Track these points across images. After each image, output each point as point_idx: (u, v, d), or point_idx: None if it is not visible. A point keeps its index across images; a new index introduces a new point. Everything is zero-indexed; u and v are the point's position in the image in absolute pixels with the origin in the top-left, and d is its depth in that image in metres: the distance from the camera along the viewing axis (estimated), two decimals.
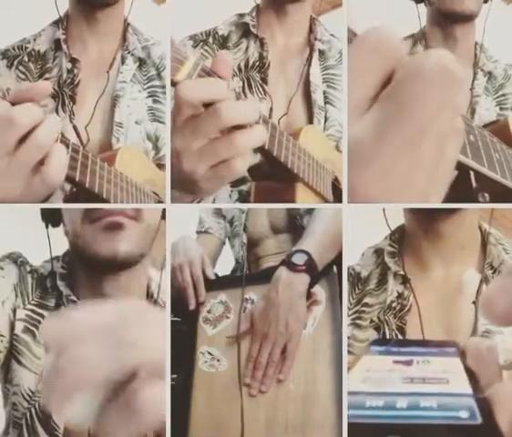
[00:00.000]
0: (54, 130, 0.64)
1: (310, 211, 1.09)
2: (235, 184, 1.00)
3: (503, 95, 1.16)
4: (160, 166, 0.99)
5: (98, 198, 0.78)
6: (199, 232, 1.29)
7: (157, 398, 0.31)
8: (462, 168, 0.64)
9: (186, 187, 0.72)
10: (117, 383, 0.31)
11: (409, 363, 0.38)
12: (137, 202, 0.88)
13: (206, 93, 0.66)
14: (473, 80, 1.15)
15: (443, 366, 0.37)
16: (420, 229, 0.95)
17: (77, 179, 0.73)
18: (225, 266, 1.27)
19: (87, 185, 0.75)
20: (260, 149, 0.80)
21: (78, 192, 0.79)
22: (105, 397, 0.32)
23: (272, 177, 0.91)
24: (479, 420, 0.27)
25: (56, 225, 0.92)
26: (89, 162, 0.75)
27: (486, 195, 0.73)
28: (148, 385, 0.31)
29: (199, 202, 0.82)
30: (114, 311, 0.33)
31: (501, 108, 1.15)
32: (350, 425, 0.28)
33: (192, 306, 1.03)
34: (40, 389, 0.84)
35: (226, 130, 0.67)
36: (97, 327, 0.32)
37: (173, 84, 0.68)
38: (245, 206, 1.14)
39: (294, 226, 1.15)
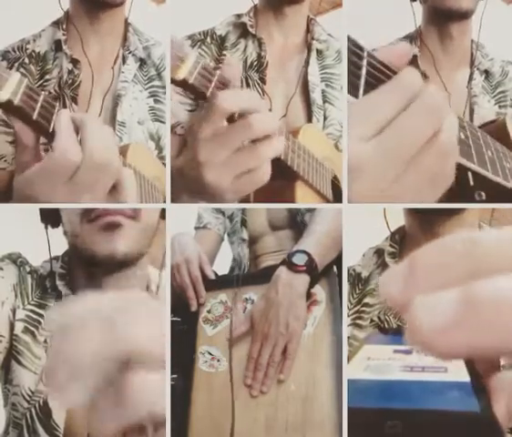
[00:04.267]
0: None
1: (311, 208, 1.09)
2: None
3: (501, 92, 1.16)
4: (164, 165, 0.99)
5: None
6: (197, 228, 1.29)
7: (146, 388, 0.32)
8: (460, 168, 0.64)
9: (207, 197, 0.74)
10: (112, 371, 0.32)
11: (409, 352, 0.38)
12: (150, 197, 0.89)
13: (243, 103, 0.69)
14: (470, 80, 1.15)
15: None
16: (420, 231, 0.96)
17: None
18: (225, 264, 1.26)
19: None
20: None
21: None
22: (100, 383, 0.33)
23: (272, 175, 0.91)
24: (476, 407, 0.28)
25: (55, 225, 0.92)
26: None
27: (483, 193, 0.73)
28: (138, 375, 0.32)
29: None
30: (112, 300, 0.34)
31: (500, 106, 1.15)
32: (351, 411, 0.28)
33: (194, 307, 1.03)
34: (44, 375, 0.84)
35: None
36: (94, 315, 0.33)
37: (174, 82, 0.69)
38: (244, 206, 1.14)
39: (295, 222, 1.15)
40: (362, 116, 0.48)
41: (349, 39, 0.52)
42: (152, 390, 0.32)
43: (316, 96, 1.05)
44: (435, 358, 0.24)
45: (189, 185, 0.75)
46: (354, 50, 0.52)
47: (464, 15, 1.12)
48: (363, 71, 0.52)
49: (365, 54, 0.53)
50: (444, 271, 0.25)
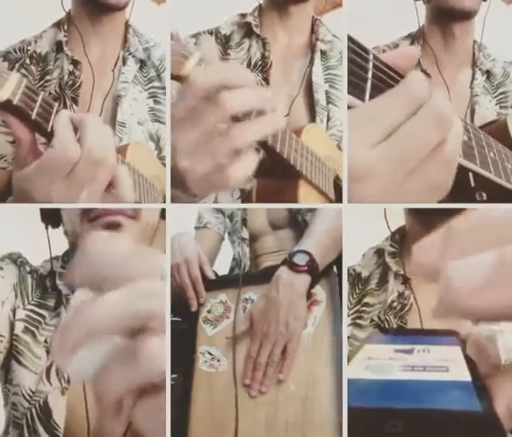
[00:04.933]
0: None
1: (312, 208, 1.09)
2: None
3: (502, 93, 1.16)
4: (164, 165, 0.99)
5: None
6: (197, 228, 1.28)
7: (158, 351, 0.32)
8: (461, 169, 0.64)
9: (184, 189, 0.68)
10: (129, 331, 0.32)
11: (410, 352, 0.38)
12: (149, 196, 0.90)
13: (222, 77, 0.60)
14: (472, 80, 1.15)
15: (443, 354, 0.37)
16: (420, 231, 0.95)
17: None
18: (225, 264, 1.26)
19: None
20: (263, 145, 0.80)
21: None
22: (113, 345, 0.33)
23: (275, 174, 0.91)
24: (478, 407, 0.28)
25: (55, 226, 0.92)
26: None
27: (483, 194, 0.73)
28: (156, 337, 0.32)
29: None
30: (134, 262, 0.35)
31: (501, 107, 1.15)
32: (351, 410, 0.28)
33: (194, 307, 1.03)
34: (53, 336, 0.84)
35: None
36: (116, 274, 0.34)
37: (176, 78, 0.68)
38: (245, 206, 1.14)
39: (295, 221, 1.15)
40: (368, 121, 0.48)
41: (354, 41, 0.52)
42: (162, 352, 0.32)
43: (320, 96, 1.05)
44: (466, 319, 0.25)
45: (173, 177, 0.67)
46: (360, 52, 0.52)
47: (467, 15, 1.12)
48: (370, 74, 0.52)
49: (371, 56, 0.52)
50: (480, 237, 0.26)
